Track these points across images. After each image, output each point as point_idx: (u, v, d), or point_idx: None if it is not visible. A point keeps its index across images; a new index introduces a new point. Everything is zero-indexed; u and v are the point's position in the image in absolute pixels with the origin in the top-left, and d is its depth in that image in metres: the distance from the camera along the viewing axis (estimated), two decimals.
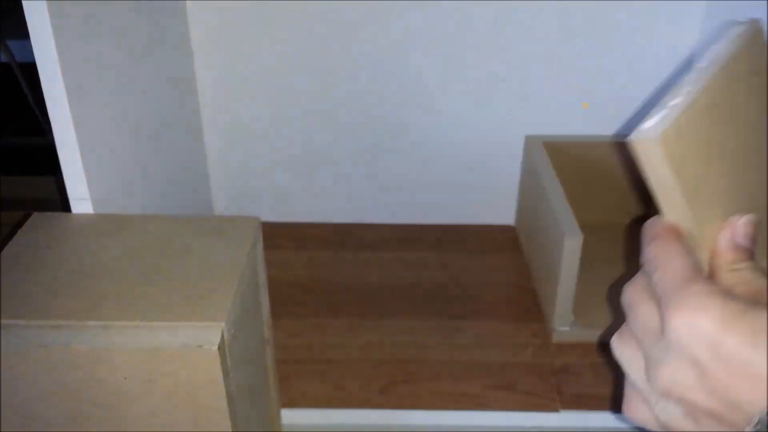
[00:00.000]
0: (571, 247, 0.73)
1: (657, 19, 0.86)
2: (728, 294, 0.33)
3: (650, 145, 0.38)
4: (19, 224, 0.58)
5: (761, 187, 0.48)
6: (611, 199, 0.95)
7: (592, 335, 0.79)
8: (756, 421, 0.31)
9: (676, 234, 0.37)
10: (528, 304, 0.86)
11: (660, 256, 0.35)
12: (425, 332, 0.81)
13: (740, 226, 0.38)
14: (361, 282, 0.90)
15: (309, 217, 1.01)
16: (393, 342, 0.80)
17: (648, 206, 0.95)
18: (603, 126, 0.93)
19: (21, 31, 0.52)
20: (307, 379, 0.75)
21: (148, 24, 0.74)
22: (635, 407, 0.36)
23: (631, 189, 0.94)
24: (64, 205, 0.59)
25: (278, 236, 0.98)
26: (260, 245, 0.59)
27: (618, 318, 0.38)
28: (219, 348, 0.46)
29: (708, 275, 0.36)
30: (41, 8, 0.51)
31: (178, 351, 0.46)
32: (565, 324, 0.78)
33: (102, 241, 0.56)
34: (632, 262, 0.87)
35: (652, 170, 0.39)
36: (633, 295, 0.36)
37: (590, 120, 0.93)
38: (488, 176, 0.97)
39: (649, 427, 0.36)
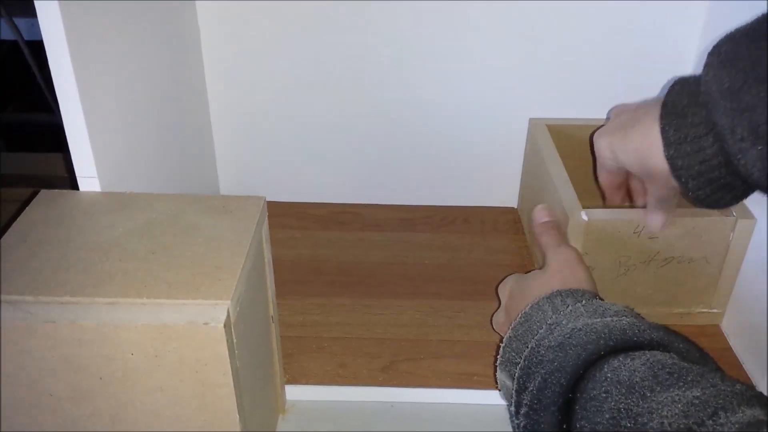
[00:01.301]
0: (577, 230, 0.73)
1: (662, 3, 0.86)
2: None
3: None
4: (27, 201, 0.58)
5: None
6: None
7: None
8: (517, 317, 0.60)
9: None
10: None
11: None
12: (427, 312, 0.82)
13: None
14: (365, 262, 0.91)
15: (314, 197, 1.02)
16: (396, 321, 0.81)
17: None
18: (606, 109, 0.93)
19: (28, 9, 0.52)
20: (311, 356, 0.76)
21: (155, 3, 0.74)
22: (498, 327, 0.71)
23: None
24: (71, 183, 0.59)
25: (283, 215, 0.98)
26: (266, 224, 0.60)
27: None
28: (225, 325, 0.47)
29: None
30: None
31: (184, 328, 0.47)
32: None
33: (109, 219, 0.56)
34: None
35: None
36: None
37: (594, 103, 0.92)
38: (491, 158, 0.98)
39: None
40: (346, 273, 0.89)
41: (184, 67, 0.85)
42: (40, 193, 0.59)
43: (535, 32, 0.88)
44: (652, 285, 0.77)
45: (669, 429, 0.39)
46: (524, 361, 0.53)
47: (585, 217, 0.73)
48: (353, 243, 0.94)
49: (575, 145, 0.91)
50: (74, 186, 0.59)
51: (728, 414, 0.38)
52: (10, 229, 0.55)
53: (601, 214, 0.73)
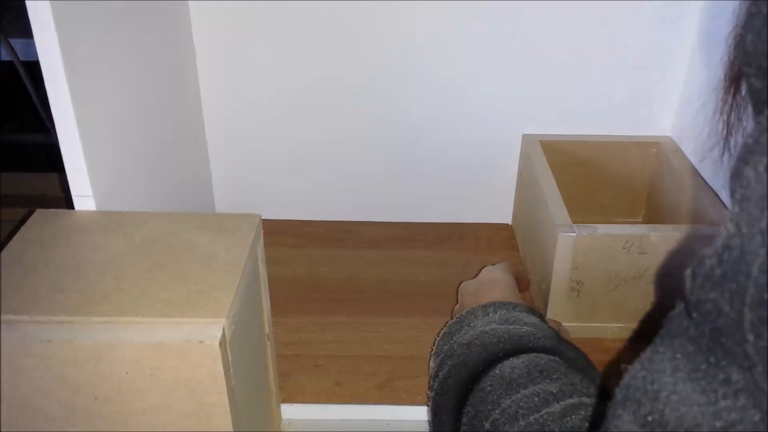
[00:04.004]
0: (566, 244, 0.73)
1: (653, 20, 0.86)
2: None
3: None
4: (23, 221, 0.58)
5: None
6: (607, 197, 0.96)
7: (587, 332, 0.79)
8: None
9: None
10: (524, 302, 0.86)
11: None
12: (423, 329, 0.82)
13: None
14: (360, 279, 0.91)
15: (309, 215, 1.02)
16: (391, 338, 0.81)
17: (645, 203, 0.96)
18: (600, 126, 0.94)
19: (24, 29, 0.53)
20: (307, 374, 0.76)
21: (150, 22, 0.74)
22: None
23: (627, 188, 0.95)
24: (67, 202, 0.59)
25: (279, 233, 0.99)
26: (261, 242, 0.60)
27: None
28: (220, 343, 0.47)
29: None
30: (44, 8, 0.51)
31: (179, 346, 0.47)
32: (560, 321, 0.79)
33: (104, 238, 0.56)
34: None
35: None
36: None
37: (587, 119, 0.93)
38: (485, 175, 0.98)
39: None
40: (341, 290, 0.89)
41: (179, 85, 0.86)
42: (35, 213, 0.59)
43: (527, 50, 0.89)
44: (642, 300, 0.77)
45: (521, 417, 0.48)
46: (443, 353, 0.63)
47: (574, 233, 0.73)
48: (349, 261, 0.94)
49: (568, 161, 0.92)
50: (69, 205, 0.59)
51: (561, 401, 0.47)
52: (6, 249, 0.55)
53: (590, 229, 0.74)
